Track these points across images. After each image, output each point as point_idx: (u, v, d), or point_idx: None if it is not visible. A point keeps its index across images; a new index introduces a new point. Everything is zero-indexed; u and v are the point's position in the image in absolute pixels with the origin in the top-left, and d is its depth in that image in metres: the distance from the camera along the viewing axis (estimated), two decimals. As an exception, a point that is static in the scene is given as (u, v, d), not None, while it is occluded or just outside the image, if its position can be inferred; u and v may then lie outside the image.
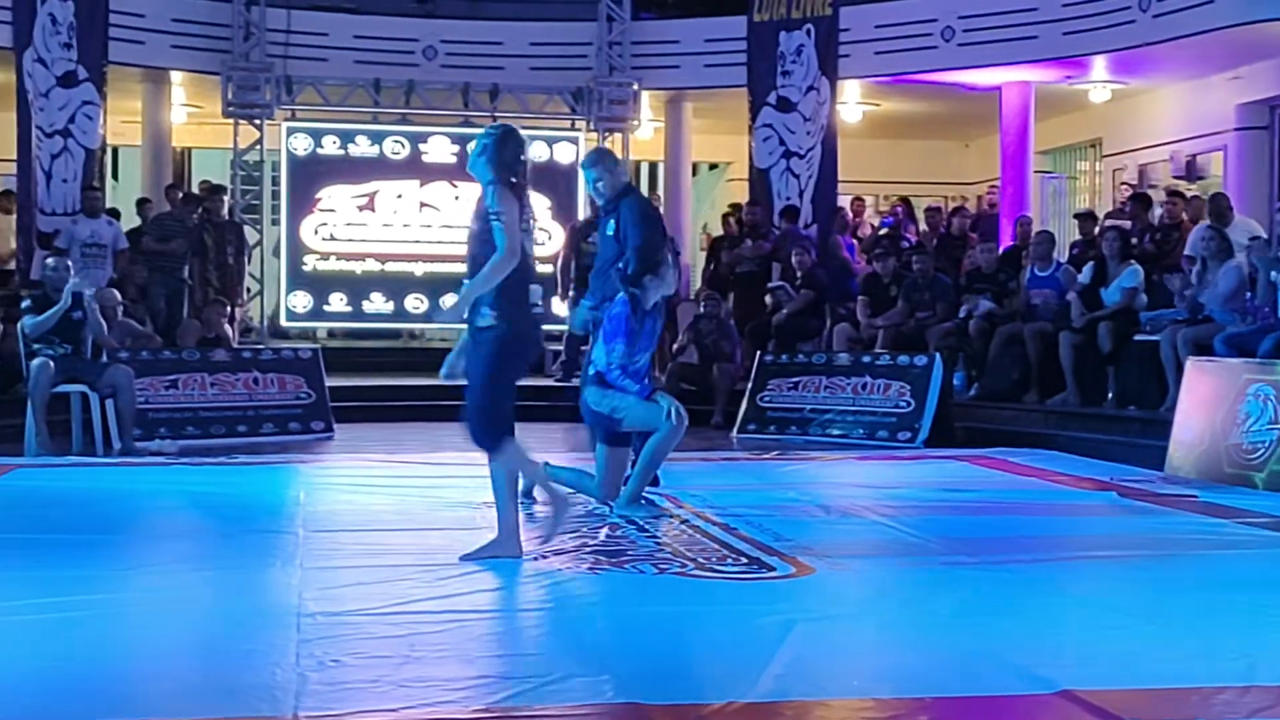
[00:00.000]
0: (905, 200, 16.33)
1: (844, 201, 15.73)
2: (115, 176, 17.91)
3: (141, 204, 14.92)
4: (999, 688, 4.02)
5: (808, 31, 14.98)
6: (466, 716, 3.69)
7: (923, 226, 15.20)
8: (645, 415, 6.91)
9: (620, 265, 7.37)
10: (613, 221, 7.56)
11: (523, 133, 5.90)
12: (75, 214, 13.53)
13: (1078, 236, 13.39)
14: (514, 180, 5.71)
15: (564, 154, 15.80)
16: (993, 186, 16.54)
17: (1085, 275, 11.34)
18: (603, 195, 7.63)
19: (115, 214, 14.05)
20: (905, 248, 13.86)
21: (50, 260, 10.50)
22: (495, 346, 5.65)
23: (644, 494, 7.19)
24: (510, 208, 5.64)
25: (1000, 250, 13.74)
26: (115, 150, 17.27)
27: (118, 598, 5.13)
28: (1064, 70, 15.14)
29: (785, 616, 4.77)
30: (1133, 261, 11.19)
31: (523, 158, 5.78)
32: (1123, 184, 16.30)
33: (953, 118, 17.95)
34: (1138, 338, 10.63)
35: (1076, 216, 13.87)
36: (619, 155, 16.17)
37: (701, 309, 13.39)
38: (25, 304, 10.23)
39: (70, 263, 10.68)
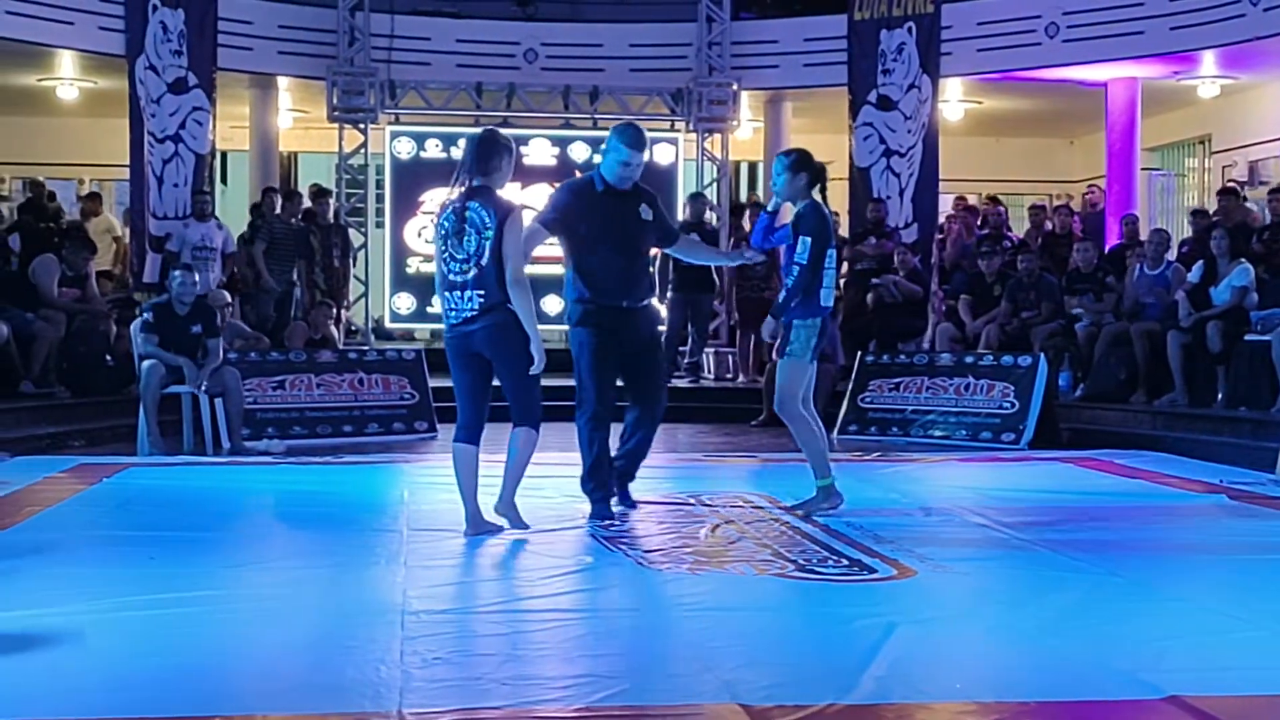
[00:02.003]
0: (993, 199, 16.13)
1: (945, 201, 15.60)
2: (224, 181, 18.25)
3: (256, 209, 15.09)
4: (1104, 693, 3.96)
5: (909, 29, 14.87)
6: (568, 715, 3.71)
7: (1026, 225, 15.02)
8: None
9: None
10: (647, 206, 7.10)
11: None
12: (186, 218, 13.79)
13: (1186, 234, 13.16)
14: None
15: (663, 155, 15.81)
16: (1091, 186, 16.29)
17: (1195, 274, 11.14)
18: (631, 180, 7.03)
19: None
20: (1008, 246, 13.70)
21: (177, 273, 10.57)
22: None
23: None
24: None
25: (1107, 249, 13.56)
26: (224, 155, 17.58)
27: (226, 594, 5.23)
28: (1171, 65, 14.88)
29: (886, 619, 4.75)
30: (1243, 260, 10.98)
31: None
32: (1230, 181, 16.00)
33: (1057, 115, 17.72)
34: (1248, 337, 10.43)
35: (1194, 214, 13.61)
36: (718, 155, 16.26)
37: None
38: (145, 316, 10.38)
39: (197, 276, 10.82)
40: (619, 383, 7.04)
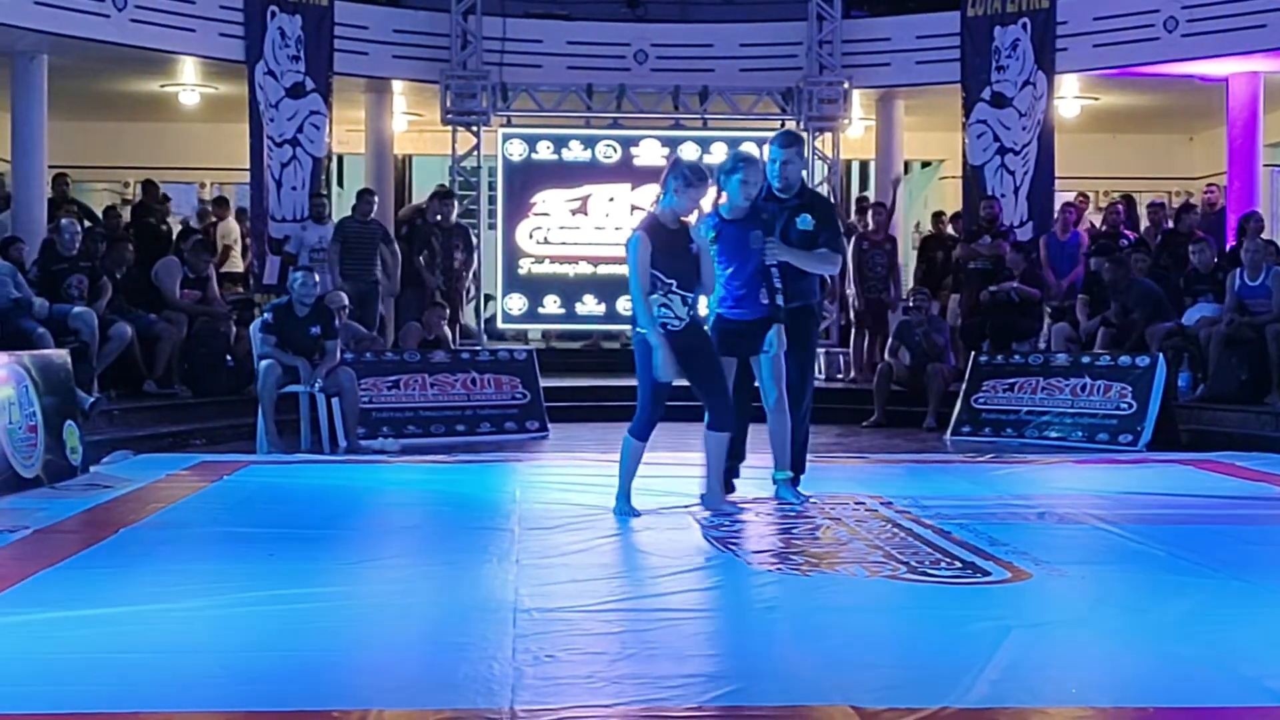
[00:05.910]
0: (1127, 197, 15.84)
1: (1061, 198, 15.37)
2: (340, 184, 18.51)
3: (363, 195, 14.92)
4: (1225, 699, 3.89)
5: (1023, 25, 14.69)
6: (678, 714, 3.72)
7: (1145, 223, 14.76)
8: None
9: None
10: (809, 216, 7.35)
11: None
12: (304, 220, 14.02)
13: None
14: None
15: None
16: (1211, 185, 15.94)
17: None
18: (786, 180, 7.34)
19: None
20: (1125, 245, 13.47)
21: (299, 275, 10.71)
22: None
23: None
24: None
25: (1229, 247, 13.26)
26: (340, 158, 17.84)
27: (342, 590, 5.30)
28: (1295, 59, 14.54)
29: (1000, 622, 4.69)
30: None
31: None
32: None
33: (1176, 110, 17.38)
34: (1375, 337, 10.16)
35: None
36: (829, 154, 16.18)
37: (910, 303, 13.27)
38: (265, 316, 10.58)
39: (318, 277, 10.97)
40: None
